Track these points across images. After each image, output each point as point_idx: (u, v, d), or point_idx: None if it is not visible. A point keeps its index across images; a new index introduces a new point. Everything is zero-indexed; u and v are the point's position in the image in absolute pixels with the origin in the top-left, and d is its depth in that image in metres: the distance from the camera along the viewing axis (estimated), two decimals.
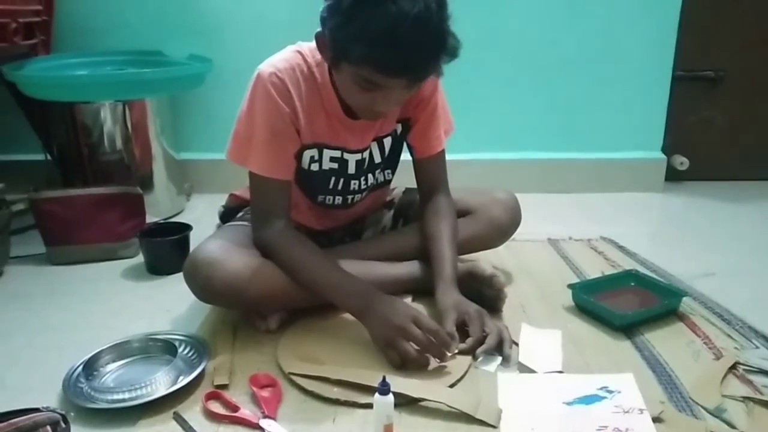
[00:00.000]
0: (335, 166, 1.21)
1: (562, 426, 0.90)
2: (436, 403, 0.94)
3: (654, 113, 2.17)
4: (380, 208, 1.43)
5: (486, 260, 1.38)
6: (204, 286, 1.11)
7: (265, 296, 1.13)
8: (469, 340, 1.07)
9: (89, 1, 1.98)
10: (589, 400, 0.96)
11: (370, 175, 1.27)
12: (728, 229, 1.84)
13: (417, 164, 1.31)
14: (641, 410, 0.92)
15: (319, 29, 1.03)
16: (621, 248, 1.62)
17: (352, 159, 1.22)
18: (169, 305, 1.31)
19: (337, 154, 1.20)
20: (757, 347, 1.12)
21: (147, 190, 1.80)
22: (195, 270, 1.10)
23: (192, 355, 1.09)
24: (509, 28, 2.06)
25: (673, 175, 2.22)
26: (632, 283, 1.34)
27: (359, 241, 1.39)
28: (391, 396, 0.84)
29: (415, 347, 1.02)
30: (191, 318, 1.25)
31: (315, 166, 1.21)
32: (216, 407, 0.95)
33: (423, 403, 0.95)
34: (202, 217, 1.76)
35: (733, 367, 1.05)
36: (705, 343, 1.14)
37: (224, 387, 1.00)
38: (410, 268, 1.29)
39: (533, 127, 2.17)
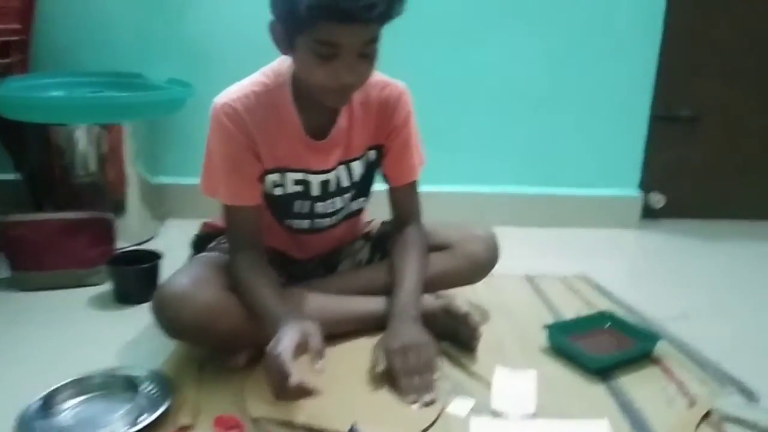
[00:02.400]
0: (299, 189, 1.20)
1: None
2: None
3: (631, 151, 2.19)
4: (357, 239, 1.42)
5: (463, 296, 1.36)
6: (172, 322, 1.08)
7: (236, 332, 1.10)
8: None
9: (68, 21, 1.95)
10: None
11: (337, 199, 1.25)
12: (704, 269, 1.85)
13: (390, 194, 1.31)
14: None
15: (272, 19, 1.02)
16: (597, 287, 1.61)
17: (315, 181, 1.20)
18: (136, 336, 1.27)
19: (299, 176, 1.19)
20: (730, 393, 1.12)
21: (120, 214, 1.77)
22: (163, 305, 1.08)
23: (155, 392, 1.05)
24: (487, 63, 2.07)
25: (649, 213, 2.24)
26: (607, 324, 1.33)
27: (334, 274, 1.36)
28: None
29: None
30: (157, 351, 1.20)
31: (279, 191, 1.20)
32: None
33: None
34: (175, 243, 1.70)
35: (707, 414, 1.04)
36: (679, 389, 1.13)
37: (188, 428, 0.96)
38: (384, 304, 1.27)
39: (511, 161, 2.17)
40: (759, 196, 2.28)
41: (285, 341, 0.95)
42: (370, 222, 1.44)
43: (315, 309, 1.20)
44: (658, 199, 2.23)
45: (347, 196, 1.27)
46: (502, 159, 2.17)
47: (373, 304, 1.27)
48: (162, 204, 2.01)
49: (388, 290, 1.27)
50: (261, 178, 1.17)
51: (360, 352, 1.19)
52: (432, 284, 1.28)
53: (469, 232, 1.35)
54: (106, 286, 1.51)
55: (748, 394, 1.12)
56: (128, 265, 1.47)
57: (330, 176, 1.21)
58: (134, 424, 0.95)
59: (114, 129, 1.76)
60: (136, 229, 1.85)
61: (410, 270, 1.22)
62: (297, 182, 1.19)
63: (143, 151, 1.87)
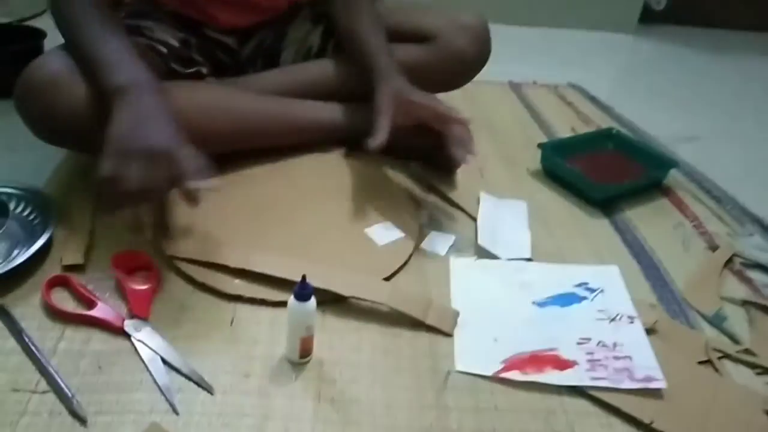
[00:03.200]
0: None
1: (533, 336, 0.69)
2: (373, 302, 0.71)
3: None
4: (301, 18, 1.08)
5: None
6: (42, 117, 0.78)
7: None
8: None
9: None
10: (565, 300, 0.76)
11: None
12: (709, 84, 1.62)
13: None
14: (631, 318, 0.72)
15: None
16: (592, 99, 1.37)
17: None
18: (11, 141, 0.96)
19: None
20: (751, 234, 0.95)
21: None
22: (30, 93, 0.78)
23: (33, 217, 0.78)
24: None
25: (648, 15, 1.94)
26: (611, 146, 1.11)
27: (276, 69, 1.05)
28: (312, 302, 0.59)
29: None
30: (41, 163, 0.92)
31: None
32: (62, 300, 0.67)
33: (354, 301, 0.71)
34: None
35: (729, 259, 0.87)
36: (695, 226, 0.94)
37: (77, 268, 0.72)
38: (343, 112, 1.00)
39: None
40: None
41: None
42: None
43: (249, 111, 0.92)
44: (659, 0, 1.92)
45: None
46: None
47: (336, 110, 1.00)
48: None
49: (344, 92, 1.00)
50: None
51: (313, 169, 0.94)
52: None
53: (455, 22, 1.04)
54: None
55: None
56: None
57: None
58: (4, 259, 0.70)
59: None
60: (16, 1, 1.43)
61: (368, 27, 0.94)
62: None
63: None
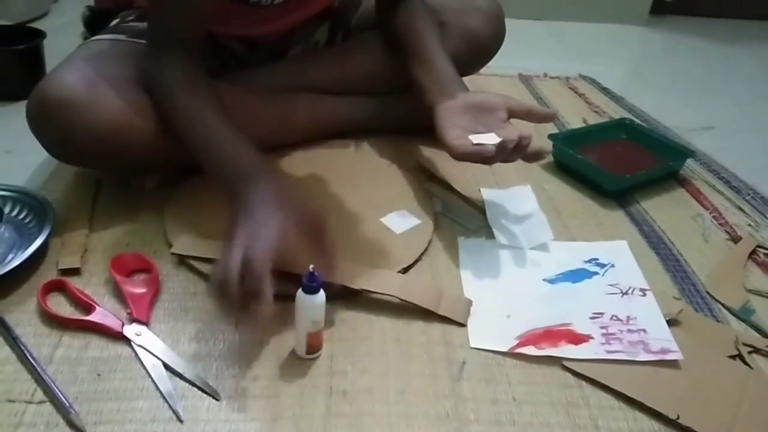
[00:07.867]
0: None
1: (546, 312, 0.68)
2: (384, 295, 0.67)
3: None
4: (313, 19, 1.05)
5: None
6: (63, 141, 0.72)
7: (151, 152, 0.76)
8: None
9: None
10: (576, 276, 0.74)
11: None
12: (723, 74, 1.58)
13: None
14: (643, 291, 0.71)
15: None
16: (604, 90, 1.33)
17: None
18: (6, 142, 0.94)
19: None
20: None
21: None
22: (47, 116, 0.70)
23: (29, 220, 0.75)
24: None
25: (658, 7, 1.90)
26: (624, 136, 1.07)
27: (279, 61, 1.00)
28: (321, 296, 0.57)
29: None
30: (38, 165, 0.90)
31: None
32: (59, 306, 0.65)
33: (364, 294, 0.68)
34: (70, 24, 1.31)
35: (752, 251, 0.83)
36: (714, 217, 0.91)
37: (73, 272, 0.69)
38: (353, 104, 0.99)
39: None
40: None
41: (266, 240, 0.57)
42: None
43: (253, 115, 0.88)
44: None
45: None
46: None
47: (346, 102, 0.99)
48: None
49: (359, 80, 0.99)
50: None
51: (324, 162, 0.92)
52: None
53: (467, 3, 1.01)
54: None
55: None
56: None
57: None
58: None
59: None
60: (17, 3, 1.41)
61: (433, 35, 0.90)
62: None
63: None
